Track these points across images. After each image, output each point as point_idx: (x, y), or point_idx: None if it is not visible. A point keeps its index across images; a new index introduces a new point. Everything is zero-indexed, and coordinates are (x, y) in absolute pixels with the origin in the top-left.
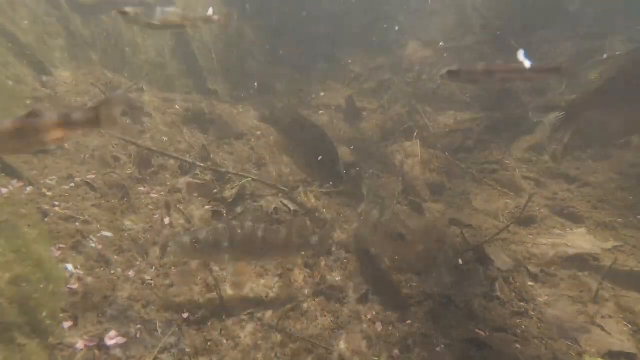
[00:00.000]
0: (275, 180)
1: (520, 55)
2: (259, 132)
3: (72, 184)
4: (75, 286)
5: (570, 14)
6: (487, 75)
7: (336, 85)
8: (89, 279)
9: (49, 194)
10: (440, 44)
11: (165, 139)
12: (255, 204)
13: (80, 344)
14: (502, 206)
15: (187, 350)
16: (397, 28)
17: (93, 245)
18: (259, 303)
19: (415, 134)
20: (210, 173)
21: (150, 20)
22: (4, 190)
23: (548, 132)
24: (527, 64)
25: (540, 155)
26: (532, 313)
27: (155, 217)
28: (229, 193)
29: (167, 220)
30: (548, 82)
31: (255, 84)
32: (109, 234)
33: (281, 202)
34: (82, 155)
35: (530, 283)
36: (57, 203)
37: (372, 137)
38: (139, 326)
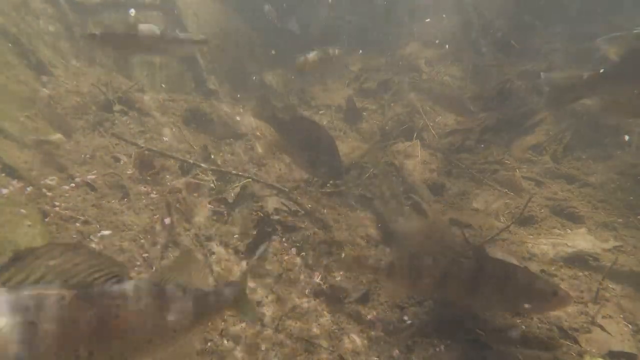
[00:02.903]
0: (276, 180)
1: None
2: (258, 132)
3: (72, 184)
4: None
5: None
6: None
7: (336, 85)
8: None
9: (49, 194)
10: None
11: (165, 139)
12: (255, 204)
13: None
14: (502, 206)
15: None
16: (398, 28)
17: (93, 245)
18: (259, 303)
19: (415, 134)
20: (211, 173)
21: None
22: (4, 190)
23: (545, 100)
24: None
25: (540, 155)
26: None
27: (156, 217)
28: (230, 193)
29: (167, 221)
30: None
31: (255, 84)
32: (109, 233)
33: (281, 202)
34: (82, 155)
35: None
36: (57, 203)
37: (372, 137)
38: None
